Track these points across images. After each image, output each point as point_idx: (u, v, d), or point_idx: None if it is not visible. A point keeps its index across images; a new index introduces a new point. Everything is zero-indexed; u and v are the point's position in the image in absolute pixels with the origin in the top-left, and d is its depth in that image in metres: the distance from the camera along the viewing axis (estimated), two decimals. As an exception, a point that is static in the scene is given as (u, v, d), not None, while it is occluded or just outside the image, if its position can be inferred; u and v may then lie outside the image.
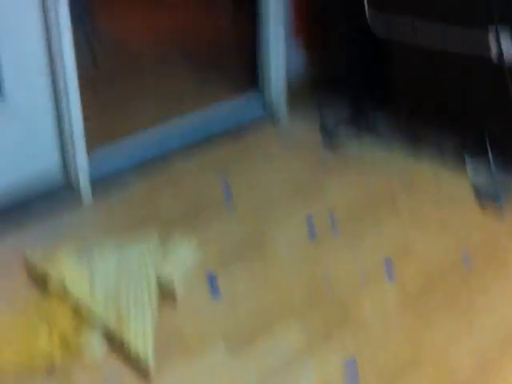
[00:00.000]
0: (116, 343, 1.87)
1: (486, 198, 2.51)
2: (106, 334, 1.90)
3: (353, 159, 2.85)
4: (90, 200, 2.59)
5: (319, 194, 2.60)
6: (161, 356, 1.81)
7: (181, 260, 2.19)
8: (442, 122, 2.76)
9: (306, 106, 3.22)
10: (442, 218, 2.44)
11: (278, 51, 3.15)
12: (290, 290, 2.10)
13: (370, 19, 2.72)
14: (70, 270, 2.08)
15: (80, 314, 1.94)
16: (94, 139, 2.63)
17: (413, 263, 2.20)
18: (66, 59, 2.43)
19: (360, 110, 3.03)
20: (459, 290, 2.09)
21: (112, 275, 2.07)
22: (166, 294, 2.05)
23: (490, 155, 2.59)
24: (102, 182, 2.65)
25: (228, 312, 2.01)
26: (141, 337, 1.85)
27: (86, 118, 2.56)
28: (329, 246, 2.30)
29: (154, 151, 2.86)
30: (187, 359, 1.84)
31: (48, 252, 2.20)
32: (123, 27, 4.33)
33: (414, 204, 2.52)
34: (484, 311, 2.00)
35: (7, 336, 1.89)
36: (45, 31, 2.43)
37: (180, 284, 2.08)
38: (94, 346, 1.87)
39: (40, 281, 2.10)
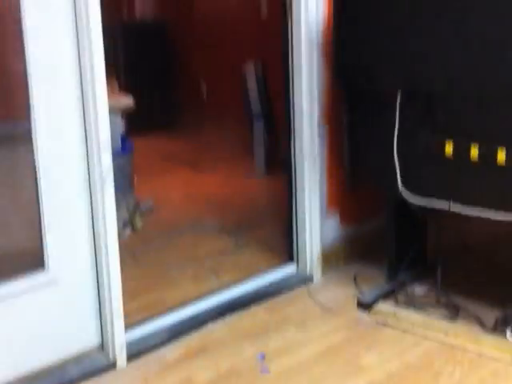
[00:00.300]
0: None
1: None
2: None
3: (390, 326, 2.81)
4: (123, 364, 2.58)
5: (355, 364, 2.56)
6: None
7: None
8: (480, 293, 2.74)
9: (341, 273, 3.27)
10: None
11: (313, 222, 3.23)
12: None
13: (405, 196, 2.79)
14: None
15: None
16: (131, 311, 2.72)
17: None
18: (109, 239, 2.54)
19: (396, 278, 3.04)
20: None
21: None
22: None
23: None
24: (137, 346, 2.65)
25: None
26: None
27: (125, 291, 2.63)
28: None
29: (189, 317, 2.89)
30: None
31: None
32: (162, 195, 4.51)
33: (455, 372, 2.46)
34: None
35: None
36: (89, 205, 2.54)
37: None
38: None
39: None
